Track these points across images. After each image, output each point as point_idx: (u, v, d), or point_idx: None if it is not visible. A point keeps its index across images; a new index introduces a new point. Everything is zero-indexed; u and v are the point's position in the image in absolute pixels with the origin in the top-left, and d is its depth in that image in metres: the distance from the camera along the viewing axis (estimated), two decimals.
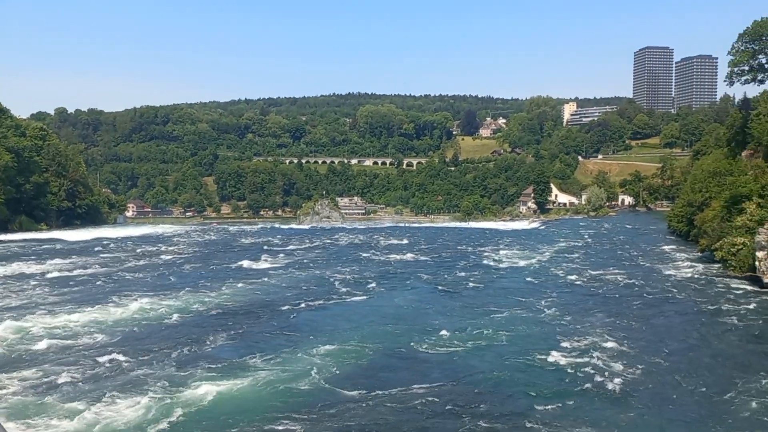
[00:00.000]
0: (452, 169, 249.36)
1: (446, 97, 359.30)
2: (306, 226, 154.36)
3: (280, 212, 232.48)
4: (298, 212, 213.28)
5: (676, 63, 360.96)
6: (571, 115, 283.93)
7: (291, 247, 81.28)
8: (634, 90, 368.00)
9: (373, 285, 45.53)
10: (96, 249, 76.08)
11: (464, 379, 23.00)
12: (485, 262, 60.34)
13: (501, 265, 57.10)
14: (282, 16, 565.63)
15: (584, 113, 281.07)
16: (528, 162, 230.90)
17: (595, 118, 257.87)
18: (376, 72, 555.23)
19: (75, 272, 52.95)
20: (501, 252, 69.49)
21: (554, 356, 25.47)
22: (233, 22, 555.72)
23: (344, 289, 43.44)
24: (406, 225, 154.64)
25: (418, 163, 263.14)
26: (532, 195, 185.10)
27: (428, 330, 30.38)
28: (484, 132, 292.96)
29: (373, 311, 35.80)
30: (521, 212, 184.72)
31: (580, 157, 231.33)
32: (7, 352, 26.36)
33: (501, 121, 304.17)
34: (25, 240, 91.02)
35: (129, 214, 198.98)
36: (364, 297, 40.79)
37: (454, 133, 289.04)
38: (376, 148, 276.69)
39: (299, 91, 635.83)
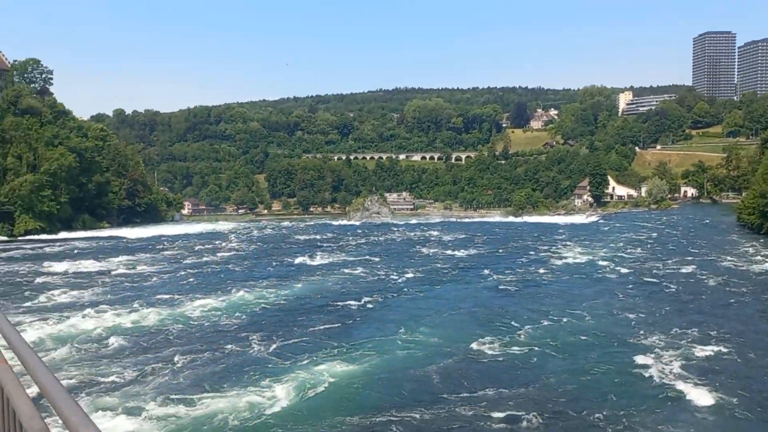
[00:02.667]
0: (502, 162, 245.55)
1: (495, 90, 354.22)
2: (356, 222, 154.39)
3: (329, 208, 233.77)
4: (348, 208, 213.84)
5: (738, 48, 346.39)
6: (627, 104, 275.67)
7: (344, 243, 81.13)
8: (694, 77, 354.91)
9: (433, 282, 44.71)
10: (156, 246, 77.64)
11: (541, 383, 21.89)
12: (546, 257, 58.59)
13: (563, 261, 55.29)
14: (328, 14, 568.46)
15: (641, 102, 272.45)
16: (582, 154, 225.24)
17: (653, 107, 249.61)
18: (424, 66, 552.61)
19: (138, 269, 53.96)
20: (561, 247, 67.51)
21: (635, 358, 24.11)
22: (279, 22, 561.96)
23: (404, 286, 42.75)
24: (457, 220, 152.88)
25: (467, 157, 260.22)
26: (588, 188, 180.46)
27: (494, 330, 29.32)
28: (535, 124, 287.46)
29: (435, 309, 34.92)
30: (576, 206, 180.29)
31: (637, 148, 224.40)
32: (79, 349, 26.60)
33: (552, 112, 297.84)
34: (88, 238, 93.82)
35: (185, 211, 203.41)
36: (425, 294, 39.99)
37: (503, 125, 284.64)
38: (424, 143, 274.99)
39: (346, 87, 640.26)
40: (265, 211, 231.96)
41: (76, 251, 72.85)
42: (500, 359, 24.78)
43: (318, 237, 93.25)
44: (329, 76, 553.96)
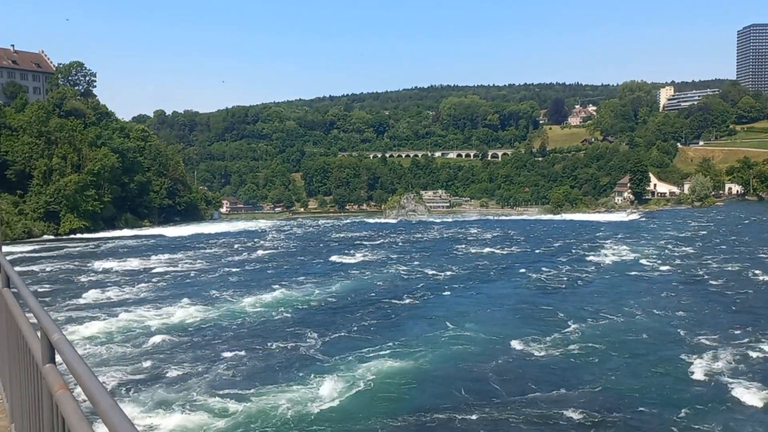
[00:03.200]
0: (539, 159, 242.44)
1: (532, 86, 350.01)
2: (392, 220, 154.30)
3: (365, 206, 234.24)
4: (384, 206, 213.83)
5: None
6: (668, 99, 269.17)
7: (381, 241, 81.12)
8: (738, 71, 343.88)
9: (474, 279, 44.25)
10: (196, 244, 78.81)
11: (594, 383, 21.30)
12: (587, 255, 57.43)
13: (606, 259, 54.10)
14: (362, 13, 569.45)
15: (683, 97, 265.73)
16: (622, 150, 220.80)
17: (695, 102, 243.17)
18: (459, 64, 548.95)
19: (179, 267, 54.77)
20: (602, 245, 66.12)
21: (687, 358, 23.34)
22: (314, 22, 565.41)
23: (445, 284, 42.46)
24: (494, 218, 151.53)
25: (504, 154, 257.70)
26: (629, 185, 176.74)
27: (541, 327, 28.79)
28: (573, 120, 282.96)
29: (479, 306, 34.55)
30: (617, 203, 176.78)
31: (679, 144, 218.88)
32: (123, 346, 27.01)
33: (591, 108, 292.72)
34: (130, 236, 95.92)
35: (223, 210, 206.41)
36: (467, 291, 39.60)
37: (540, 122, 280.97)
38: (460, 140, 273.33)
39: (381, 86, 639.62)
40: (302, 209, 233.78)
41: (119, 249, 74.45)
42: (550, 357, 24.28)
43: (355, 235, 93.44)
44: (364, 74, 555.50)
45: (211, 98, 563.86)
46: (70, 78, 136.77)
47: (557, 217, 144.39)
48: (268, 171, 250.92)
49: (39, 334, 3.23)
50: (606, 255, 57.42)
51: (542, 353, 24.87)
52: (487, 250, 64.90)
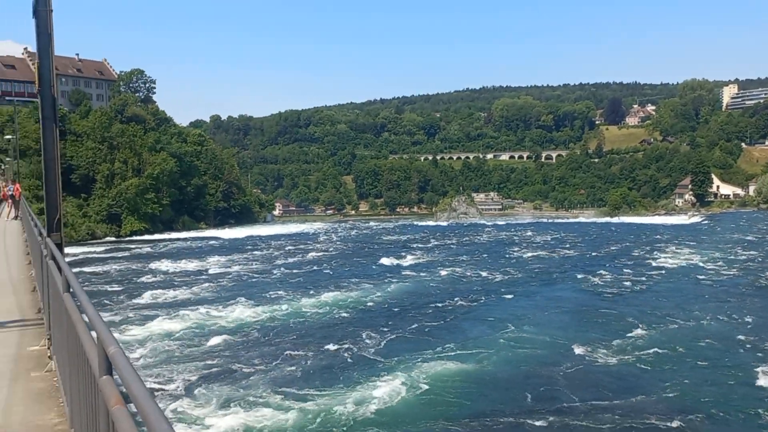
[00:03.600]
0: (596, 160, 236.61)
1: (587, 86, 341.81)
2: (444, 223, 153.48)
3: (415, 209, 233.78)
4: (435, 209, 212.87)
5: None
6: (732, 98, 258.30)
7: (433, 243, 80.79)
8: None
9: (529, 282, 43.47)
10: (250, 246, 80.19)
11: (657, 394, 20.47)
12: (648, 259, 55.61)
13: (668, 264, 52.21)
14: (412, 14, 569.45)
15: (747, 95, 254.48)
16: (682, 151, 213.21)
17: (761, 101, 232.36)
18: (511, 64, 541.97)
19: (234, 269, 55.81)
20: (664, 249, 63.93)
21: (758, 367, 22.11)
22: (364, 25, 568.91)
23: (499, 287, 41.83)
24: (548, 220, 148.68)
25: (558, 155, 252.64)
26: (690, 186, 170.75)
27: (602, 332, 28.00)
28: (631, 120, 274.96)
29: (536, 310, 33.87)
30: (677, 205, 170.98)
31: (743, 144, 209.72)
32: (184, 345, 27.56)
33: (650, 108, 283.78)
34: (187, 238, 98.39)
35: (276, 212, 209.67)
36: (523, 294, 38.91)
37: (596, 122, 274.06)
38: (513, 142, 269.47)
39: (432, 88, 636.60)
40: (353, 212, 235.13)
41: (177, 251, 76.47)
42: (615, 363, 23.55)
43: (406, 237, 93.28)
44: (415, 77, 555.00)
45: (265, 103, 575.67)
46: (131, 85, 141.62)
47: (615, 219, 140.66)
48: (320, 174, 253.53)
49: (96, 344, 3.15)
50: (668, 259, 55.46)
51: (607, 358, 24.12)
52: (542, 252, 63.71)
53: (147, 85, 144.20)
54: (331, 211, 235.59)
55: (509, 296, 38.62)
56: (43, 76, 9.69)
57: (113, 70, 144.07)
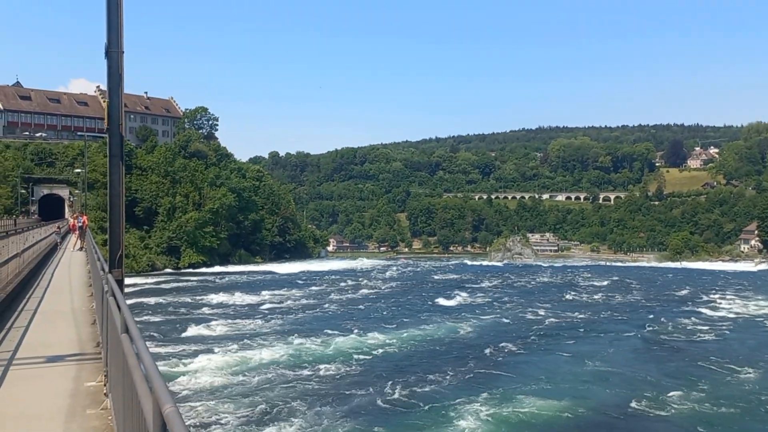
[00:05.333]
0: (656, 203, 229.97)
1: (646, 127, 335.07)
2: (498, 263, 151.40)
3: (469, 248, 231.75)
4: (489, 248, 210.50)
5: None
6: None
7: (486, 284, 79.64)
8: None
9: (583, 329, 41.99)
10: (304, 282, 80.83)
11: None
12: (712, 309, 53.08)
13: (734, 313, 49.71)
14: (464, 52, 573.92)
15: None
16: (748, 195, 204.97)
17: None
18: (568, 104, 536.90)
19: (286, 304, 56.28)
20: (729, 297, 60.93)
21: None
22: (422, 65, 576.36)
23: (549, 333, 40.65)
24: (606, 263, 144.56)
25: (616, 197, 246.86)
26: (756, 232, 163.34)
27: (654, 389, 26.55)
28: (693, 163, 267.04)
29: (583, 360, 32.59)
30: (743, 251, 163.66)
31: None
32: (230, 381, 27.65)
33: (712, 150, 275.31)
34: (243, 272, 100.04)
35: (330, 248, 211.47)
36: (571, 343, 37.59)
37: (657, 164, 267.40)
38: (569, 183, 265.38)
39: (487, 127, 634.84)
40: (406, 249, 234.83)
41: (233, 284, 77.80)
42: (674, 419, 22.20)
43: (459, 277, 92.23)
44: (470, 116, 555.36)
45: (322, 140, 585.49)
46: (195, 122, 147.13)
47: (676, 264, 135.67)
48: (374, 211, 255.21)
49: (151, 397, 3.03)
50: (734, 308, 52.83)
51: (665, 414, 22.80)
52: (600, 297, 61.79)
53: (210, 122, 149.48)
54: (384, 248, 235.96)
55: (565, 342, 37.45)
56: (112, 115, 9.98)
57: (179, 108, 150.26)
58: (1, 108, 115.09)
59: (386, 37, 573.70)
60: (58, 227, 41.33)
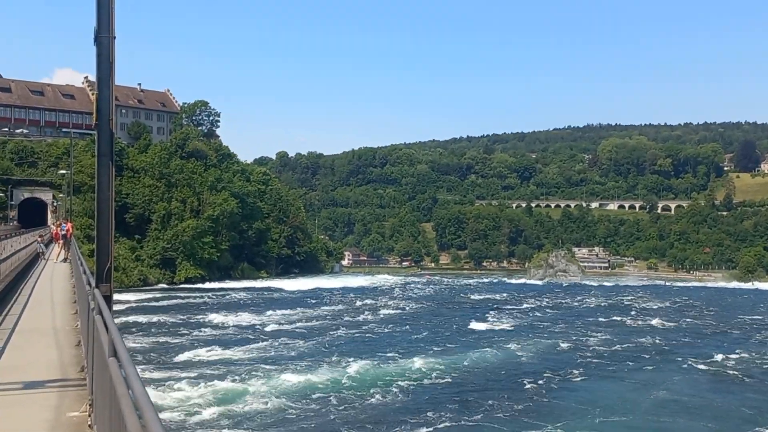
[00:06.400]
0: (724, 213, 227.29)
1: (713, 126, 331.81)
2: (538, 281, 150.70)
3: (505, 263, 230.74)
4: (528, 264, 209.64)
5: None
6: None
7: (525, 306, 79.49)
8: None
9: (635, 360, 41.69)
10: (314, 301, 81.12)
11: None
12: None
13: None
14: (501, 41, 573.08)
15: None
16: None
17: None
18: (621, 99, 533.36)
19: (294, 326, 56.54)
20: None
21: None
22: (450, 55, 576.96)
23: (595, 363, 40.48)
24: (666, 284, 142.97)
25: (678, 206, 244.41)
26: None
27: (730, 423, 26.14)
28: (767, 167, 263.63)
29: (636, 395, 32.47)
30: None
31: None
32: (229, 411, 27.78)
33: None
34: (246, 288, 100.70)
35: (345, 262, 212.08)
36: (622, 375, 37.47)
37: (725, 168, 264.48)
38: (623, 189, 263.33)
39: (527, 125, 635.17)
40: (432, 264, 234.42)
41: (233, 302, 78.29)
42: None
43: (494, 297, 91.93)
44: (507, 112, 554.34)
45: (337, 139, 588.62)
46: (194, 118, 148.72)
47: (747, 285, 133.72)
48: (396, 220, 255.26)
49: None
50: None
51: None
52: (658, 321, 61.19)
53: (211, 117, 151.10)
54: (407, 263, 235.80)
55: (610, 375, 37.41)
56: (101, 109, 10.05)
57: (176, 102, 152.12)
58: None
59: (409, 28, 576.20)
60: (41, 236, 41.76)
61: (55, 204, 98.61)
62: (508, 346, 46.60)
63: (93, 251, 11.01)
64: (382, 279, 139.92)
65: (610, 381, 35.46)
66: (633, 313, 71.75)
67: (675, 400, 31.21)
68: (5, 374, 9.25)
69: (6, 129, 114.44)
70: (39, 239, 38.68)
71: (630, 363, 40.23)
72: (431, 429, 25.80)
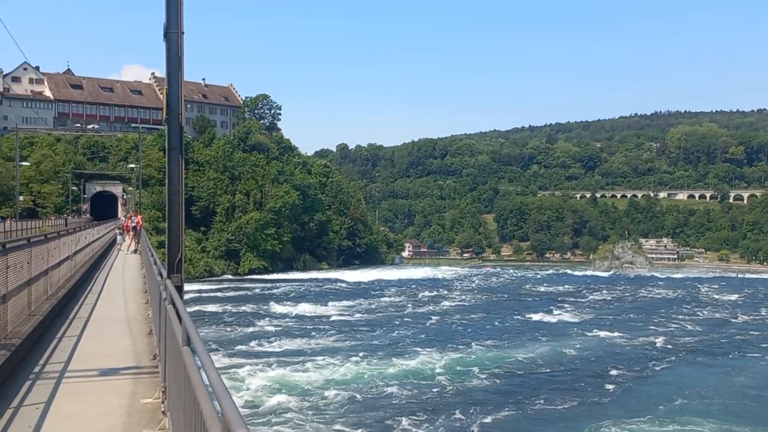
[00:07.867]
0: None
1: None
2: (604, 273, 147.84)
3: (568, 255, 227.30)
4: (593, 256, 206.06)
5: None
6: None
7: (590, 297, 78.48)
8: None
9: (707, 355, 40.44)
10: (376, 292, 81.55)
11: None
12: None
13: None
14: (563, 28, 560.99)
15: None
16: None
17: None
18: (690, 85, 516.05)
19: (356, 317, 56.97)
20: None
21: None
22: (511, 42, 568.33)
23: (668, 357, 39.30)
24: (738, 276, 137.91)
25: (751, 195, 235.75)
26: None
27: None
28: None
29: (716, 389, 31.33)
30: None
31: None
32: (295, 400, 28.15)
33: None
34: (308, 279, 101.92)
35: (405, 253, 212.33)
36: (698, 368, 36.38)
37: None
38: (692, 178, 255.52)
39: (592, 113, 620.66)
40: (493, 256, 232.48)
41: (296, 293, 79.41)
42: None
43: (558, 289, 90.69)
44: (571, 100, 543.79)
45: (396, 131, 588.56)
46: (256, 111, 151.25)
47: None
48: (456, 211, 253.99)
49: (220, 422, 3.05)
50: None
51: None
52: (731, 313, 59.35)
53: (272, 111, 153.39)
54: (468, 255, 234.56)
55: (683, 369, 36.67)
56: (171, 104, 10.28)
57: (239, 96, 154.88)
58: (52, 98, 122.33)
59: (468, 19, 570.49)
60: (118, 228, 45.36)
61: (125, 197, 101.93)
62: (573, 338, 46.10)
63: (161, 243, 11.31)
64: (443, 270, 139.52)
65: (681, 375, 34.63)
66: (705, 304, 69.82)
67: (745, 398, 30.23)
68: (83, 362, 9.58)
69: (78, 125, 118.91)
70: (118, 231, 43.92)
71: (702, 357, 39.22)
72: (508, 414, 25.62)
